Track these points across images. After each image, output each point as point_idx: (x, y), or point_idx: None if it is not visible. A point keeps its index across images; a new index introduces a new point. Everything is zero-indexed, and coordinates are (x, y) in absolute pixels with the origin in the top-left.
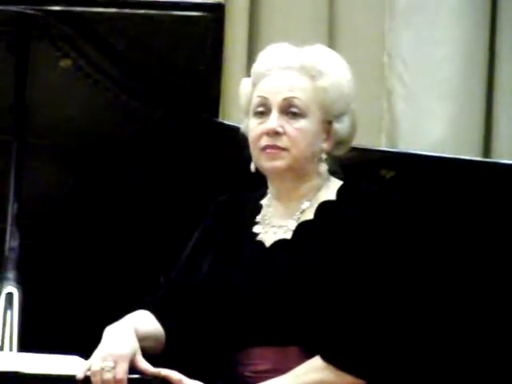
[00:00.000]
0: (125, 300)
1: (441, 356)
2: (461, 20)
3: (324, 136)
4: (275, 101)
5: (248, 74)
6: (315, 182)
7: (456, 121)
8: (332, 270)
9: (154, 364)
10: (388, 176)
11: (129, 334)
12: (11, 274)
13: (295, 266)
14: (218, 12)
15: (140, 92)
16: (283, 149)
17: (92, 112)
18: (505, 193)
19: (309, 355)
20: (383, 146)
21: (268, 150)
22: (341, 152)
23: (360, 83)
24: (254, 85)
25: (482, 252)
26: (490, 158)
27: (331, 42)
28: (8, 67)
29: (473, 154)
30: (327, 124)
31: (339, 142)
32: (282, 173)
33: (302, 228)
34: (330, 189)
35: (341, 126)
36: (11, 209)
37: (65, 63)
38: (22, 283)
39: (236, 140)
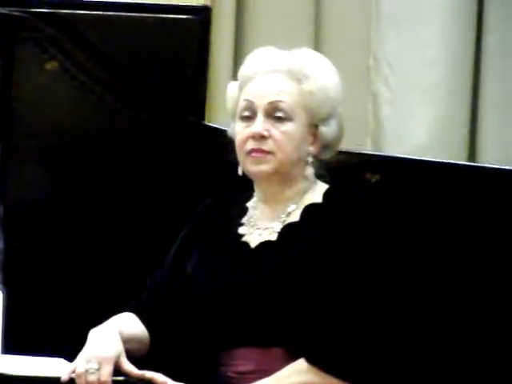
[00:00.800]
0: (110, 302)
1: (426, 356)
2: (447, 23)
3: (310, 139)
4: (261, 104)
5: (234, 77)
6: (301, 185)
7: (441, 124)
8: (316, 272)
9: (139, 366)
10: (373, 180)
11: (113, 336)
12: None
13: (279, 268)
14: (205, 15)
15: (126, 94)
16: (269, 152)
17: (78, 114)
18: (490, 197)
19: (292, 356)
20: (368, 149)
21: (254, 154)
22: (327, 155)
23: (345, 86)
24: (241, 88)
25: (467, 254)
26: (475, 162)
27: (317, 45)
28: None
29: (458, 158)
30: (314, 127)
31: (326, 146)
32: (267, 176)
33: (287, 230)
34: (317, 192)
35: (327, 130)
36: None
37: (51, 65)
38: (7, 285)
39: (222, 143)
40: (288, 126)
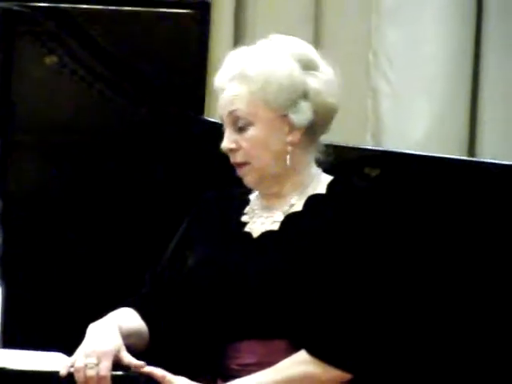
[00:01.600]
0: (109, 297)
1: (426, 347)
2: (446, 18)
3: (286, 130)
4: (225, 117)
5: None
6: (299, 177)
7: (441, 119)
8: (317, 263)
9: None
10: (373, 174)
11: (112, 331)
12: None
13: (281, 258)
14: (204, 9)
15: (125, 89)
16: (244, 163)
17: (77, 108)
18: (490, 192)
19: (295, 349)
20: (368, 144)
21: (236, 168)
22: (320, 134)
23: (345, 81)
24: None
25: (466, 248)
26: (475, 156)
27: (317, 40)
28: None
29: (458, 153)
30: (284, 117)
31: (310, 128)
32: (257, 185)
33: (290, 219)
34: (320, 183)
35: (298, 116)
36: None
37: (50, 60)
38: (5, 279)
39: (221, 137)
40: (251, 131)
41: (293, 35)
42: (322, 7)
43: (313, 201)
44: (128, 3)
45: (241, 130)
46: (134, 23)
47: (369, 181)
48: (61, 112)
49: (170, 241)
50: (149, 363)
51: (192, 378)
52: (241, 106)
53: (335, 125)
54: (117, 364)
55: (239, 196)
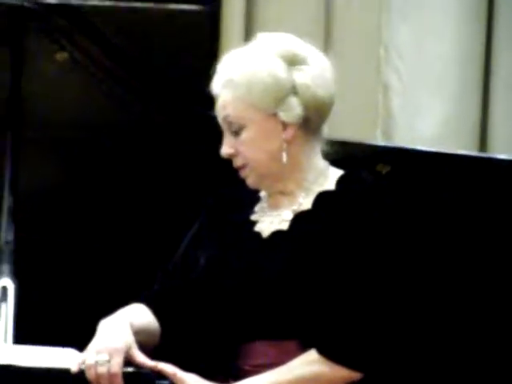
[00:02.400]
0: (120, 293)
1: (435, 348)
2: (458, 14)
3: (280, 127)
4: (221, 122)
5: None
6: (301, 173)
7: (452, 115)
8: (328, 262)
9: (149, 357)
10: (384, 171)
11: (123, 327)
12: (6, 267)
13: (291, 258)
14: (214, 6)
15: (136, 85)
16: (244, 165)
17: (88, 105)
18: (501, 188)
19: (306, 349)
20: (379, 140)
21: (238, 170)
22: (321, 124)
23: (356, 77)
24: None
25: (477, 247)
26: (486, 153)
27: (328, 36)
28: (4, 60)
29: (468, 149)
30: (275, 116)
31: (306, 122)
32: (259, 185)
33: (299, 218)
34: (329, 179)
35: (288, 112)
36: (6, 202)
37: (61, 56)
38: (16, 276)
39: None
40: (245, 135)
41: (303, 30)
42: (333, 2)
43: (322, 199)
44: (140, 0)
45: (236, 134)
46: (144, 19)
47: (379, 177)
48: (71, 108)
49: (181, 237)
50: (159, 360)
51: (204, 379)
52: (231, 112)
53: (346, 120)
54: (128, 361)
55: (251, 194)
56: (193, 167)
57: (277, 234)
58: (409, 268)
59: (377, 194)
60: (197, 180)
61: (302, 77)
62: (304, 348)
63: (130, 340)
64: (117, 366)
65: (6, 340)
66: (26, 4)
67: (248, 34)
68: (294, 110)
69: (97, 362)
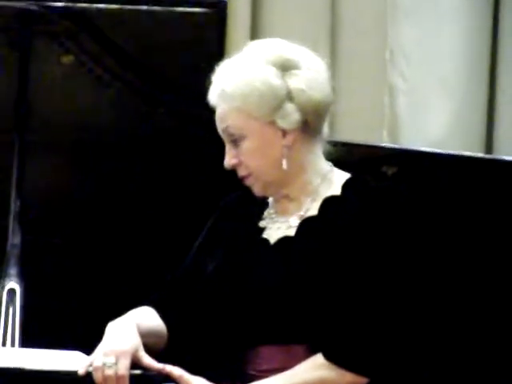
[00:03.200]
0: (128, 296)
1: (441, 354)
2: (463, 15)
3: (280, 134)
4: (221, 134)
5: None
6: (305, 177)
7: (458, 117)
8: (336, 268)
9: (157, 360)
10: (390, 172)
11: (131, 330)
12: (13, 270)
13: (298, 264)
14: (220, 9)
15: (142, 88)
16: (248, 175)
17: (94, 108)
18: (508, 189)
19: (313, 353)
20: (385, 142)
21: (243, 180)
22: (317, 130)
23: (361, 79)
24: None
25: (486, 249)
26: (492, 154)
27: (333, 38)
28: (10, 63)
29: (475, 150)
30: (273, 123)
31: (305, 126)
32: (264, 193)
33: (306, 224)
34: (334, 183)
35: (285, 119)
36: (13, 205)
37: (67, 59)
38: (24, 279)
39: None
40: (245, 145)
41: (309, 33)
42: (338, 5)
43: (328, 204)
44: (145, 2)
45: (236, 144)
46: (150, 22)
47: (385, 180)
48: (77, 111)
49: (190, 241)
50: (167, 362)
51: (210, 382)
52: (229, 123)
53: (352, 122)
54: (135, 363)
55: (258, 200)
56: (200, 171)
57: (284, 240)
58: (415, 274)
59: (382, 198)
60: (204, 184)
61: (296, 81)
62: (310, 353)
63: (137, 342)
64: (124, 368)
65: (13, 343)
66: (31, 7)
67: (254, 38)
68: (291, 115)
69: (104, 365)
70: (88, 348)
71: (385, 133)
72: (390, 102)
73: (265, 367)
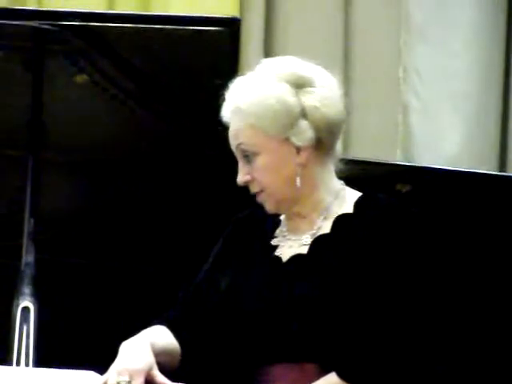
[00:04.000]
0: (141, 315)
1: (457, 370)
2: (476, 34)
3: (294, 151)
4: (234, 150)
5: None
6: (317, 195)
7: (471, 134)
8: (349, 287)
9: (170, 379)
10: (404, 190)
11: (145, 348)
12: (27, 289)
13: (312, 283)
14: (234, 27)
15: (156, 107)
16: (260, 191)
17: (109, 127)
18: None
19: (327, 372)
20: (398, 159)
21: (256, 196)
22: (331, 148)
23: (375, 97)
24: None
25: (501, 266)
26: (506, 171)
27: (346, 56)
28: (24, 82)
29: (488, 168)
30: (287, 141)
31: (319, 143)
32: (277, 210)
33: (318, 242)
34: (346, 201)
35: (299, 136)
36: (27, 224)
37: (81, 78)
38: (37, 298)
39: None
40: (259, 161)
41: (322, 51)
42: (352, 23)
43: (341, 222)
44: (158, 21)
45: (249, 161)
46: (164, 41)
47: (398, 197)
48: (92, 130)
49: (201, 258)
50: (180, 381)
51: None
52: (243, 140)
53: (366, 140)
54: (149, 382)
55: (271, 217)
56: (213, 189)
57: (296, 258)
58: (432, 293)
59: (395, 216)
60: (216, 201)
61: (310, 99)
62: (323, 371)
63: (151, 361)
64: None
65: (27, 362)
66: (45, 26)
67: (267, 56)
68: (305, 133)
69: (118, 383)
70: (102, 367)
71: (398, 151)
72: (403, 120)
73: None
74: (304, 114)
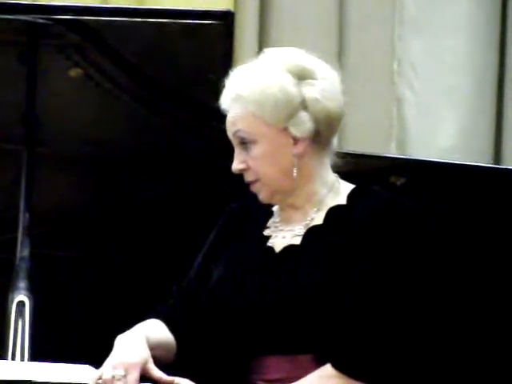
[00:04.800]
0: (136, 309)
1: (454, 366)
2: (470, 26)
3: (291, 142)
4: (231, 137)
5: None
6: (312, 186)
7: (466, 127)
8: (342, 277)
9: (166, 372)
10: (398, 183)
11: (140, 342)
12: (22, 283)
13: (306, 274)
14: (228, 20)
15: (150, 101)
16: (255, 180)
17: (102, 121)
18: None
19: (320, 363)
20: (393, 152)
21: (250, 185)
22: (331, 138)
23: (370, 90)
24: None
25: (494, 258)
26: (501, 164)
27: (341, 50)
28: (18, 77)
29: (483, 161)
30: (286, 131)
31: (317, 135)
32: (270, 200)
33: (311, 233)
34: (340, 193)
35: (299, 127)
36: (22, 218)
37: (75, 72)
38: (33, 292)
39: None
40: (256, 150)
41: (317, 45)
42: (346, 15)
43: (334, 213)
44: (152, 15)
45: (246, 149)
46: (157, 35)
47: (392, 190)
48: (86, 125)
49: (195, 252)
50: (175, 375)
51: None
52: (242, 127)
53: (360, 133)
54: (144, 375)
55: (263, 208)
56: (209, 182)
57: (289, 249)
58: (425, 283)
59: (388, 207)
60: (213, 194)
61: (312, 91)
62: (317, 362)
63: (146, 355)
64: (133, 380)
65: (22, 356)
66: (39, 20)
67: (262, 49)
68: (304, 124)
69: (113, 377)
70: (97, 361)
71: (393, 144)
72: (398, 114)
73: (271, 377)
74: (305, 105)
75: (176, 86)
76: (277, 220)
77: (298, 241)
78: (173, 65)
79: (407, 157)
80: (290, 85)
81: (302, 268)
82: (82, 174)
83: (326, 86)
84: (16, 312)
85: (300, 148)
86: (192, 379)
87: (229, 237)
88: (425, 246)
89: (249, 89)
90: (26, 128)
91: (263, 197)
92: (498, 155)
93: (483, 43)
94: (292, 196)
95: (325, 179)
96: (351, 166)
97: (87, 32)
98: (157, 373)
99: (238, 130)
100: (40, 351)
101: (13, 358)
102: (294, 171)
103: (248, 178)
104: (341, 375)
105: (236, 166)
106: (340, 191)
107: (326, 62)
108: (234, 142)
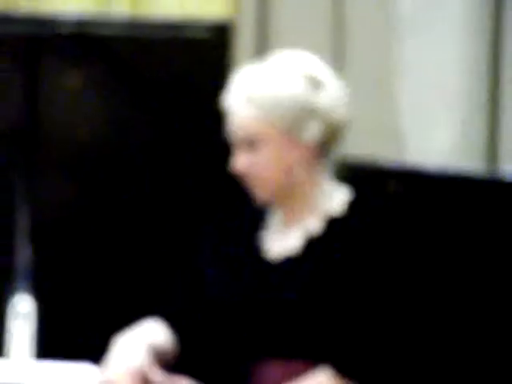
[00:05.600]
0: (136, 308)
1: (453, 368)
2: (464, 28)
3: (295, 148)
4: (235, 138)
5: None
6: (310, 193)
7: (462, 130)
8: (339, 285)
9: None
10: (395, 191)
11: (140, 345)
12: (25, 284)
13: (301, 281)
14: (223, 33)
15: (148, 112)
16: (255, 182)
17: (102, 130)
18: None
19: (316, 366)
20: (389, 158)
21: (248, 187)
22: (334, 146)
23: (365, 93)
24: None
25: (490, 267)
26: (497, 165)
27: (336, 50)
28: (19, 86)
29: (479, 163)
30: (293, 136)
31: (321, 143)
32: (268, 202)
33: (308, 240)
34: (337, 201)
35: (306, 134)
36: (23, 220)
37: (75, 82)
38: (33, 292)
39: None
40: (261, 152)
41: (312, 45)
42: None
43: (332, 223)
44: (151, 28)
45: (251, 150)
46: (156, 47)
47: (390, 198)
48: (86, 133)
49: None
50: (176, 374)
51: None
52: (249, 128)
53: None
54: (148, 379)
55: (257, 212)
56: (206, 185)
57: (285, 257)
58: (422, 289)
59: (386, 218)
60: (210, 196)
61: (322, 100)
62: (315, 366)
63: (147, 358)
64: None
65: (23, 356)
66: (40, 31)
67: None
68: (312, 131)
69: (114, 382)
70: (97, 359)
71: (388, 145)
72: (393, 117)
73: (269, 381)
74: (314, 113)
75: (174, 95)
76: (272, 224)
77: (293, 247)
78: (171, 75)
79: (403, 164)
80: (304, 93)
81: (299, 274)
82: (81, 179)
83: (335, 97)
84: (18, 312)
85: (303, 153)
86: (193, 377)
87: (223, 238)
88: (421, 256)
89: (262, 92)
90: (27, 136)
91: (261, 199)
92: (494, 156)
93: (478, 46)
94: (290, 199)
95: (323, 186)
96: (347, 173)
97: (88, 44)
98: (157, 376)
99: (245, 131)
100: (41, 350)
101: (14, 358)
102: (296, 176)
103: (248, 178)
104: (338, 377)
105: (238, 166)
106: (337, 199)
107: (325, 62)
108: (237, 141)
